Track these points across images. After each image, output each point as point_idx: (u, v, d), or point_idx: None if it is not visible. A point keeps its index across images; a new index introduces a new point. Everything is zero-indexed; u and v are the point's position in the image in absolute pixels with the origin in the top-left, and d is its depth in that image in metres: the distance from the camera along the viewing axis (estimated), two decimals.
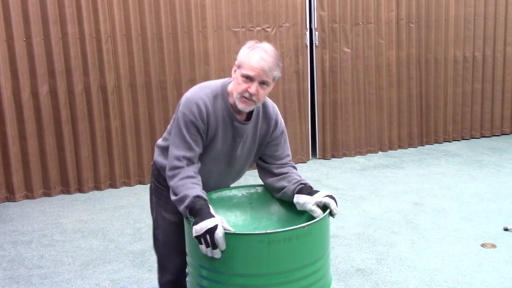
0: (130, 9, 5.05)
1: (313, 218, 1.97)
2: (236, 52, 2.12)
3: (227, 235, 1.77)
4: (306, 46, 5.85)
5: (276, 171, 2.20)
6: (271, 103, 2.22)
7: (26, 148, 4.92)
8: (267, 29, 5.62)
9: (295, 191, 2.10)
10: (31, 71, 4.85)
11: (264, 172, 2.25)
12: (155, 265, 3.50)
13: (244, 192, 2.27)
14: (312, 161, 6.09)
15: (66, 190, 5.12)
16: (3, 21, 4.70)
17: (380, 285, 3.15)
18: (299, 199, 2.08)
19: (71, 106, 5.01)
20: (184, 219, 1.96)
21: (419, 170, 5.57)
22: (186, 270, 2.10)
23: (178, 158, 2.02)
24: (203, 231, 1.77)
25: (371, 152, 6.29)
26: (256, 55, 1.98)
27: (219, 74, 5.44)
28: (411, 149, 6.43)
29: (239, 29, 5.51)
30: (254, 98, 2.00)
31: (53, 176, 5.05)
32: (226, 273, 1.80)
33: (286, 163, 2.23)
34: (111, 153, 5.22)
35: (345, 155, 6.18)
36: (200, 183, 2.02)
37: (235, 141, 2.13)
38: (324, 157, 6.15)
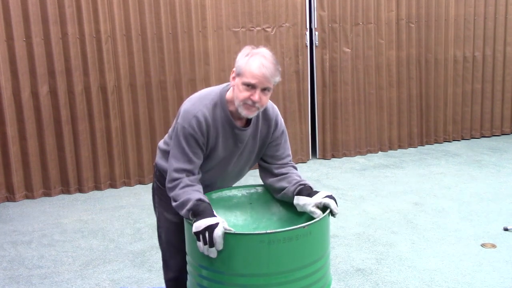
0: (130, 9, 5.04)
1: (313, 218, 1.97)
2: (236, 52, 2.11)
3: (227, 235, 1.77)
4: (306, 46, 5.85)
5: (276, 171, 2.21)
6: (270, 104, 2.21)
7: (26, 148, 4.92)
8: (267, 29, 5.62)
9: (294, 192, 2.10)
10: (31, 71, 4.85)
11: (265, 172, 2.25)
12: (155, 265, 3.53)
13: (244, 192, 2.27)
14: (312, 161, 6.09)
15: (66, 190, 5.12)
16: (3, 21, 4.70)
17: (380, 285, 3.15)
18: (298, 200, 2.08)
19: (71, 106, 5.01)
20: (184, 219, 1.96)
21: (419, 170, 5.57)
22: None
23: (177, 171, 2.02)
24: (203, 227, 1.78)
25: (371, 152, 6.29)
26: (256, 62, 1.97)
27: (219, 74, 5.45)
28: (411, 149, 6.43)
29: (239, 29, 5.51)
30: (257, 105, 2.00)
31: (53, 176, 5.06)
32: (226, 273, 1.80)
33: (287, 163, 2.23)
34: (111, 153, 5.22)
35: (345, 155, 6.18)
36: (202, 190, 2.03)
37: (236, 147, 2.14)
38: (324, 157, 6.15)
